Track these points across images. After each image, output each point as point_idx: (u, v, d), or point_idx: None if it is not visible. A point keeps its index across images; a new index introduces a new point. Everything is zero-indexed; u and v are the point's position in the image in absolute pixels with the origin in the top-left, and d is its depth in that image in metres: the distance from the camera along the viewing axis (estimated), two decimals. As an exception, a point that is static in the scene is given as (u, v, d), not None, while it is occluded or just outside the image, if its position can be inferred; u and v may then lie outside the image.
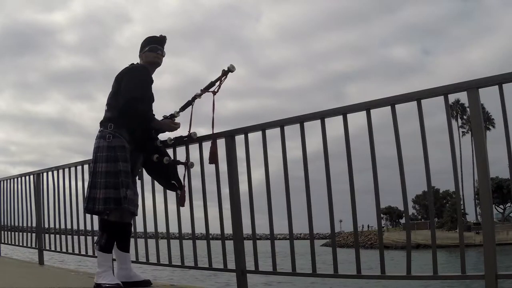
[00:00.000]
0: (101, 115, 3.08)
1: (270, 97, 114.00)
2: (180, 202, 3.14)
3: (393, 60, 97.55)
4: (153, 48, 3.08)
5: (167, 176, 3.13)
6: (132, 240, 3.61)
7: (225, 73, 2.94)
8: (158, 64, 3.12)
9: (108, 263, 2.94)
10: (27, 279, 3.95)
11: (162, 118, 3.12)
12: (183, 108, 3.06)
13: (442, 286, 9.98)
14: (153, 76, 3.13)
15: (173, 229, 3.43)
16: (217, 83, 2.97)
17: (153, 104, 3.17)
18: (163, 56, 3.14)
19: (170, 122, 3.11)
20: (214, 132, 3.10)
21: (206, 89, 2.97)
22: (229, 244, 3.05)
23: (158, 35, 3.13)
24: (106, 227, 2.99)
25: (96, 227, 3.69)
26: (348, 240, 42.21)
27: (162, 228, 3.47)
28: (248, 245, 2.99)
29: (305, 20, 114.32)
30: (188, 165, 3.09)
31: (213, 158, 3.04)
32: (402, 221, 58.05)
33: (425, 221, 45.69)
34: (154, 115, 3.14)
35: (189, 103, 3.04)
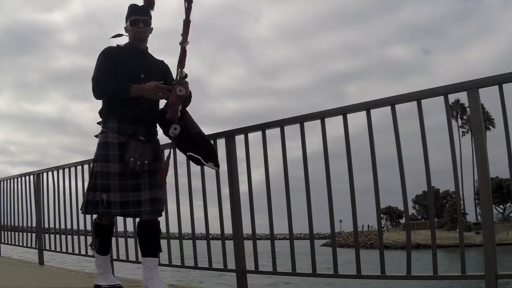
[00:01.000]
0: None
1: (270, 97, 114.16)
2: (158, 178, 2.73)
3: (393, 60, 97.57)
4: (134, 21, 2.79)
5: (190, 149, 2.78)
6: (131, 240, 3.62)
7: (188, 7, 2.66)
8: (142, 39, 2.85)
9: (106, 264, 2.91)
10: (27, 279, 3.95)
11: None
12: (181, 65, 2.70)
13: (442, 286, 9.97)
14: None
15: (173, 229, 3.43)
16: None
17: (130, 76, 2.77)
18: (148, 26, 2.82)
19: (152, 84, 2.70)
20: (214, 132, 3.12)
21: (185, 34, 2.67)
22: (229, 244, 3.05)
23: (141, 3, 2.80)
24: (96, 230, 2.94)
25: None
26: (348, 240, 42.21)
27: (162, 228, 3.46)
28: (248, 245, 2.99)
29: (305, 20, 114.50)
30: (169, 133, 2.68)
31: (172, 111, 2.64)
32: (402, 221, 58.02)
33: (425, 221, 45.62)
34: (129, 85, 2.71)
35: (182, 56, 2.68)
